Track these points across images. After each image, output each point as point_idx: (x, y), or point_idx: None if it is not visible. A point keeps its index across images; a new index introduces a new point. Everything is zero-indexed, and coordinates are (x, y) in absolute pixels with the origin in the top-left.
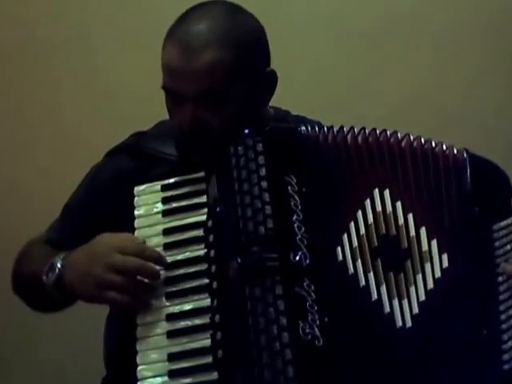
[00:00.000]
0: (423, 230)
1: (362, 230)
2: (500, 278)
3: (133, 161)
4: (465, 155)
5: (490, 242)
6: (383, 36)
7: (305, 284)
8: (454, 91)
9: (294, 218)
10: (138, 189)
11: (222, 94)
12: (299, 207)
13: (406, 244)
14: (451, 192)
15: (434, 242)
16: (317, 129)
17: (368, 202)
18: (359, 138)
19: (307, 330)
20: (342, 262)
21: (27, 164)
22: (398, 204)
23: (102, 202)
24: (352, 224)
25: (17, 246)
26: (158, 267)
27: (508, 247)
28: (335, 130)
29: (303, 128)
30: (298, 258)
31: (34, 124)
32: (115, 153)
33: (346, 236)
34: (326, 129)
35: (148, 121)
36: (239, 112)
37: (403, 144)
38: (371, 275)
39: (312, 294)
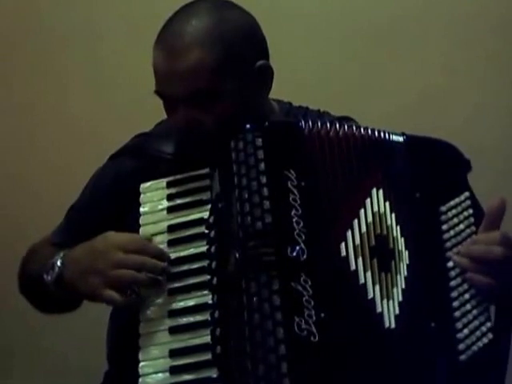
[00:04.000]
0: (398, 229)
1: (364, 229)
2: (450, 263)
3: (136, 161)
4: (401, 140)
5: (436, 227)
6: (391, 33)
7: (301, 279)
8: (466, 90)
9: (293, 212)
10: (143, 186)
11: (210, 93)
12: (298, 202)
13: (391, 244)
14: (401, 182)
15: (403, 240)
16: (318, 123)
17: (368, 201)
18: (355, 134)
19: (303, 326)
20: (344, 257)
21: (33, 157)
22: (387, 204)
23: (106, 204)
24: (356, 221)
25: (23, 240)
26: (161, 263)
27: (461, 226)
28: (337, 125)
29: (303, 122)
30: (295, 252)
31: (40, 117)
32: (118, 155)
33: (350, 233)
34: (327, 124)
35: (155, 114)
36: (232, 109)
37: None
38: (369, 274)
39: (309, 289)
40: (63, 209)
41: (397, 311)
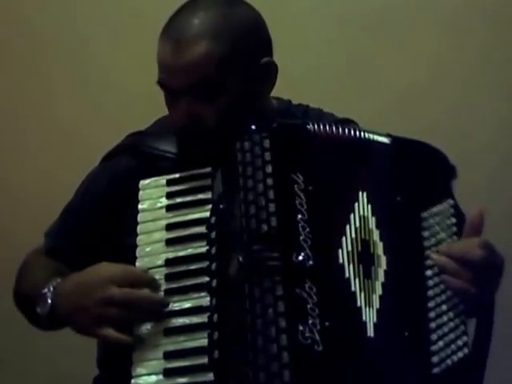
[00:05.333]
0: (377, 234)
1: (353, 234)
2: (429, 272)
3: (132, 161)
4: (386, 141)
5: (417, 234)
6: (379, 27)
7: (306, 286)
8: (454, 85)
9: (299, 217)
10: (143, 183)
11: (215, 86)
12: (304, 206)
13: (372, 249)
14: (382, 185)
15: (381, 245)
16: (326, 126)
17: (356, 205)
18: (353, 137)
19: (307, 334)
20: (341, 264)
21: (20, 161)
22: (369, 207)
23: (102, 206)
24: (348, 227)
25: (10, 245)
26: (156, 296)
27: (443, 235)
28: (338, 127)
29: (311, 125)
30: (300, 258)
31: (27, 121)
32: (113, 155)
33: (344, 239)
34: (333, 126)
35: (143, 116)
36: (235, 105)
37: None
38: (357, 281)
39: (313, 296)
40: (51, 213)
41: (375, 319)
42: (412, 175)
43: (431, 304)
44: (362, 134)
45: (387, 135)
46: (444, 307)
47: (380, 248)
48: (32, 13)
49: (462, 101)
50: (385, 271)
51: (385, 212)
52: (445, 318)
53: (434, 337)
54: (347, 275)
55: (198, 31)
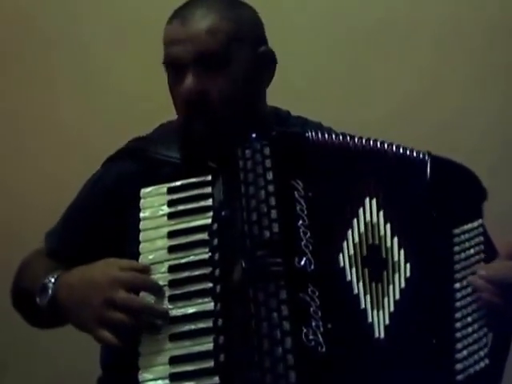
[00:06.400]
0: (395, 241)
1: (356, 239)
2: (458, 285)
3: (135, 164)
4: (425, 158)
5: (448, 248)
6: (379, 37)
7: (309, 290)
8: (455, 92)
9: (300, 222)
10: (144, 191)
11: (221, 57)
12: (305, 212)
13: (384, 254)
14: (414, 198)
15: (402, 252)
16: (324, 135)
17: (361, 211)
18: (358, 145)
19: (310, 336)
20: (342, 268)
21: (22, 164)
22: (381, 214)
23: (104, 208)
24: (350, 231)
25: (11, 248)
26: (165, 306)
27: (471, 251)
28: (341, 136)
29: (310, 133)
30: (302, 263)
31: (28, 123)
32: (116, 158)
33: (345, 243)
34: (333, 135)
35: (143, 118)
36: (237, 82)
37: (384, 151)
38: (361, 284)
39: (316, 299)
40: (53, 215)
41: (387, 321)
42: (449, 193)
43: (458, 315)
44: (370, 142)
45: (427, 153)
46: (469, 319)
47: (399, 255)
48: (33, 15)
49: (463, 104)
50: (406, 278)
51: (414, 223)
52: (470, 329)
53: (459, 346)
54: (349, 278)
55: (207, 9)
